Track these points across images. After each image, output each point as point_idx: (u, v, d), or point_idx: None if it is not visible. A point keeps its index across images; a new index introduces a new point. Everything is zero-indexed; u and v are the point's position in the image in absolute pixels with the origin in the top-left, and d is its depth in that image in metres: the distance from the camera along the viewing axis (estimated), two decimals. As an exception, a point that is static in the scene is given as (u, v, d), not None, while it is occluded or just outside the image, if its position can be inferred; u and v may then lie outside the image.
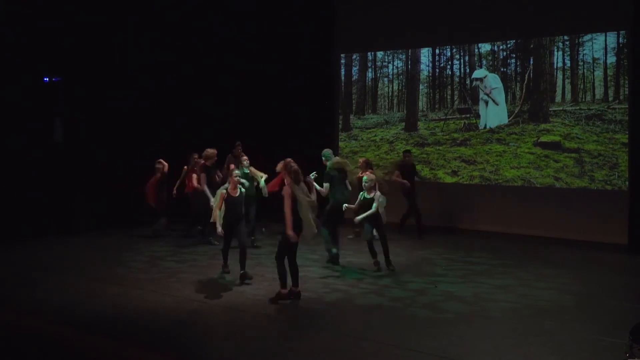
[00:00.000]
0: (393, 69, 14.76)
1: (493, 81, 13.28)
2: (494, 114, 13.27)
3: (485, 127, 13.35)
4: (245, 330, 6.88)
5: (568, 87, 12.43)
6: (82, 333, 6.75)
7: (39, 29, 12.79)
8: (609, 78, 12.04)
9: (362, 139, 15.01)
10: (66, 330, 6.85)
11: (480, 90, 13.43)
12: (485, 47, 13.42)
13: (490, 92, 13.24)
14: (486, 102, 13.36)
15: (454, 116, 13.79)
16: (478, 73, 13.49)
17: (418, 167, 12.92)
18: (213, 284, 8.67)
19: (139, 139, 14.20)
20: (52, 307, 7.61)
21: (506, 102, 13.11)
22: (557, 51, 12.56)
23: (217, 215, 8.70)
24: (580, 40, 12.29)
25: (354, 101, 15.29)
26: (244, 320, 7.18)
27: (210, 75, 15.44)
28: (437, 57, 14.07)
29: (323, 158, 10.39)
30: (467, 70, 13.65)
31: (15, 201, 12.29)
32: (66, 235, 12.31)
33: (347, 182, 10.03)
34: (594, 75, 12.20)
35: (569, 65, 12.43)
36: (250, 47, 15.42)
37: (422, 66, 14.23)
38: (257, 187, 10.38)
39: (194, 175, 11.45)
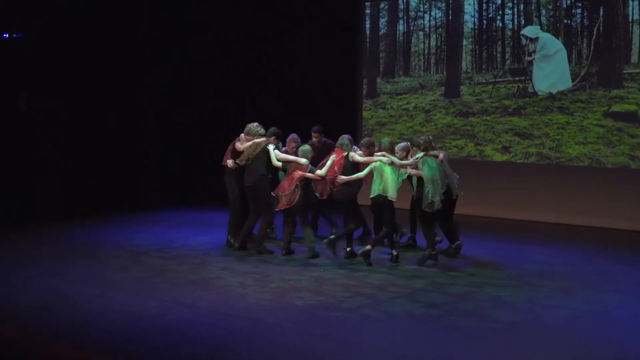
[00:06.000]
0: (430, 20, 14.71)
1: (550, 45, 13.15)
2: (553, 75, 13.18)
3: (537, 92, 13.27)
4: (246, 343, 6.93)
5: (647, 44, 12.35)
6: (52, 342, 6.76)
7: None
8: (699, 32, 11.97)
9: (391, 107, 14.99)
10: (32, 339, 6.86)
11: (527, 52, 13.35)
12: (544, -6, 13.33)
13: (536, 57, 13.19)
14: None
15: (506, 79, 13.74)
16: (529, 31, 13.37)
17: (460, 142, 12.89)
18: (208, 286, 8.70)
19: (119, 109, 14.24)
20: (16, 311, 7.61)
21: (569, 62, 13.02)
22: (633, 0, 12.42)
23: None
24: (663, -16, 12.20)
25: (381, 61, 15.26)
26: (245, 331, 7.21)
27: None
28: (484, 5, 13.97)
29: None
30: (522, 22, 13.59)
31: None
32: (32, 224, 12.42)
33: None
34: (680, 29, 12.12)
35: (648, 16, 12.33)
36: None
37: (466, 17, 14.19)
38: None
39: None
